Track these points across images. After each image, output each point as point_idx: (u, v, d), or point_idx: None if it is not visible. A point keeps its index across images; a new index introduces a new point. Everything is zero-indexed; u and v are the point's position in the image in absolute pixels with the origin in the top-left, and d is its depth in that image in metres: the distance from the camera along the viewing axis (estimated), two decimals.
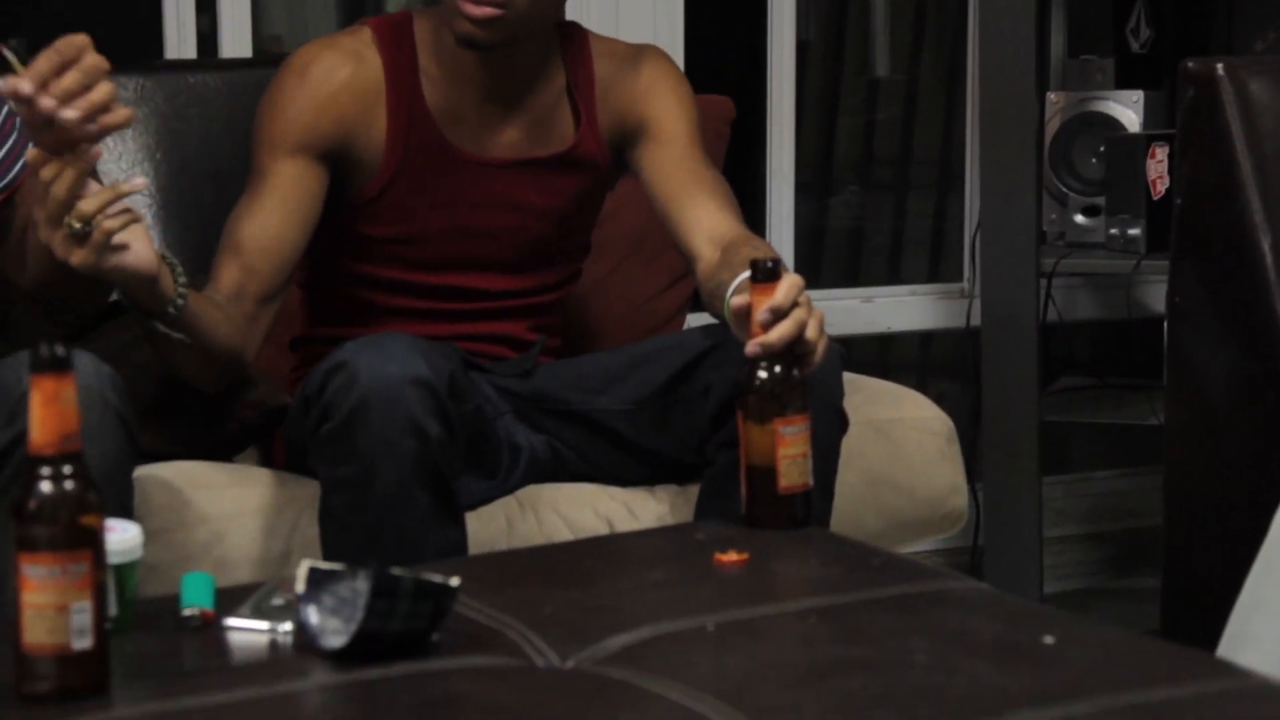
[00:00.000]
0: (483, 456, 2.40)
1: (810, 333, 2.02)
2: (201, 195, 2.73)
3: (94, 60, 1.91)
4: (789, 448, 2.01)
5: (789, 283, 2.01)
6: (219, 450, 2.46)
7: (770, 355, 2.00)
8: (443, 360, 2.16)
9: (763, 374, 2.01)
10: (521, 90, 2.44)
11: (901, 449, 2.63)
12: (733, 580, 1.84)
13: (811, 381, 2.22)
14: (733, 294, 2.11)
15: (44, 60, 1.90)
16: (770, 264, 2.02)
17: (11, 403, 1.93)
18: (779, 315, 2.00)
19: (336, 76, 2.37)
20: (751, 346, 2.01)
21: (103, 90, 1.91)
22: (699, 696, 1.50)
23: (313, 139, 2.34)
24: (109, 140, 2.70)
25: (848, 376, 2.35)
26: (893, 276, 4.05)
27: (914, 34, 4.05)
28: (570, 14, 2.53)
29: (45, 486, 1.47)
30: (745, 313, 2.04)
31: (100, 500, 1.50)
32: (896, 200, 4.10)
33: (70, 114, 1.88)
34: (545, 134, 2.47)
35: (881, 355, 3.93)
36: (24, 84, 1.88)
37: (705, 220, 2.40)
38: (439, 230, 2.44)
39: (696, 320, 2.74)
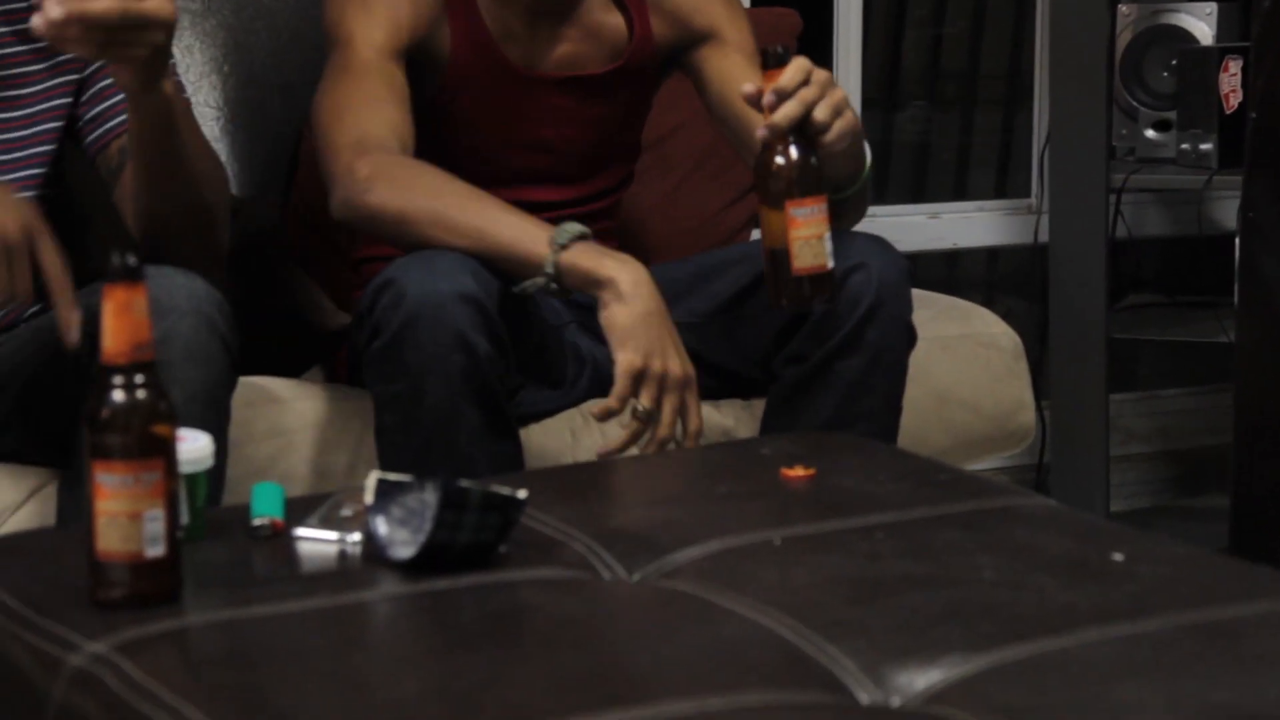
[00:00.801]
0: (547, 367, 2.40)
1: (820, 113, 2.06)
2: (269, 108, 2.73)
3: None
4: (801, 229, 2.05)
5: (796, 65, 2.06)
6: (285, 367, 2.48)
7: (780, 137, 2.05)
8: (493, 276, 2.15)
9: (777, 159, 2.05)
10: (569, 6, 2.43)
11: (969, 365, 2.62)
12: (798, 495, 1.83)
13: (880, 296, 2.22)
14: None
15: None
16: (780, 49, 2.05)
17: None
18: (784, 97, 2.03)
19: None
20: (760, 130, 2.06)
21: None
22: (765, 610, 1.50)
23: (399, 40, 2.31)
24: (176, 53, 2.72)
25: (915, 292, 2.34)
26: (959, 192, 4.02)
27: None
28: None
29: (118, 395, 1.48)
30: (756, 100, 2.08)
31: (172, 409, 1.51)
32: (964, 115, 4.06)
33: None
34: (597, 47, 2.46)
35: (948, 272, 3.91)
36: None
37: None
38: (496, 144, 2.43)
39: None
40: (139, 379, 1.49)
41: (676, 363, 2.13)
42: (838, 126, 2.07)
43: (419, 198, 2.17)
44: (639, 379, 2.12)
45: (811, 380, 2.29)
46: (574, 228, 2.15)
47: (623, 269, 2.13)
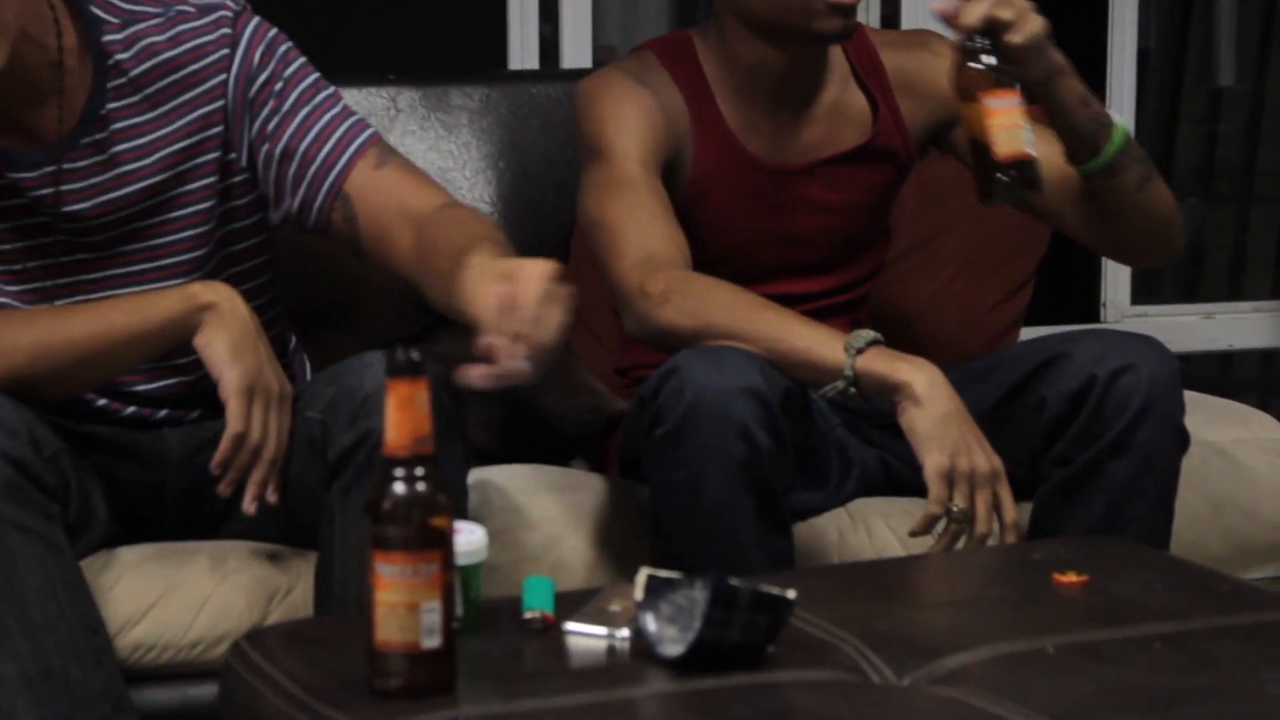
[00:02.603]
0: (814, 468, 2.40)
1: (1003, 12, 2.14)
2: (542, 203, 2.78)
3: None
4: (997, 118, 2.15)
5: None
6: (554, 455, 2.50)
7: (969, 34, 2.15)
8: (777, 374, 2.17)
9: (969, 61, 2.16)
10: (812, 90, 2.43)
11: (1246, 470, 2.55)
12: (1072, 602, 1.80)
13: (1150, 397, 2.19)
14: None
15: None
16: None
17: (355, 405, 1.98)
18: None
19: (653, 97, 2.38)
20: (953, 35, 2.18)
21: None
22: None
23: (656, 152, 2.35)
24: (453, 149, 2.79)
25: (1187, 395, 2.29)
26: (1234, 292, 3.94)
27: (1261, 40, 3.94)
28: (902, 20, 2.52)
29: (399, 488, 1.51)
30: (951, 17, 2.18)
31: (450, 502, 1.53)
32: (1239, 213, 3.99)
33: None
34: (840, 129, 2.46)
35: (1222, 373, 3.83)
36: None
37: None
38: (749, 242, 2.44)
39: (1031, 334, 2.70)
40: (419, 471, 1.52)
41: (983, 458, 2.13)
42: (1023, 26, 2.16)
43: (713, 312, 2.20)
44: (950, 480, 2.11)
45: (1080, 482, 2.26)
46: (867, 334, 2.16)
47: (917, 372, 2.14)
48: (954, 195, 2.84)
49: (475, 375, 1.77)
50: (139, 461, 2.17)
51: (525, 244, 2.75)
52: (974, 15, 2.15)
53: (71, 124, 2.07)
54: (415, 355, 1.52)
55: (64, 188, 2.07)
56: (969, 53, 2.16)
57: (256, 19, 2.13)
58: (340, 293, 2.58)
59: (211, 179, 2.12)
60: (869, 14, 3.68)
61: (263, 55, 2.11)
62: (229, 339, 2.00)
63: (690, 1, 3.85)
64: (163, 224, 2.11)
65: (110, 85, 2.07)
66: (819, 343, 2.17)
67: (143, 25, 2.09)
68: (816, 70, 2.42)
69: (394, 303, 2.56)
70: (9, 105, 2.04)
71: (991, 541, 2.13)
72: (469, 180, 2.77)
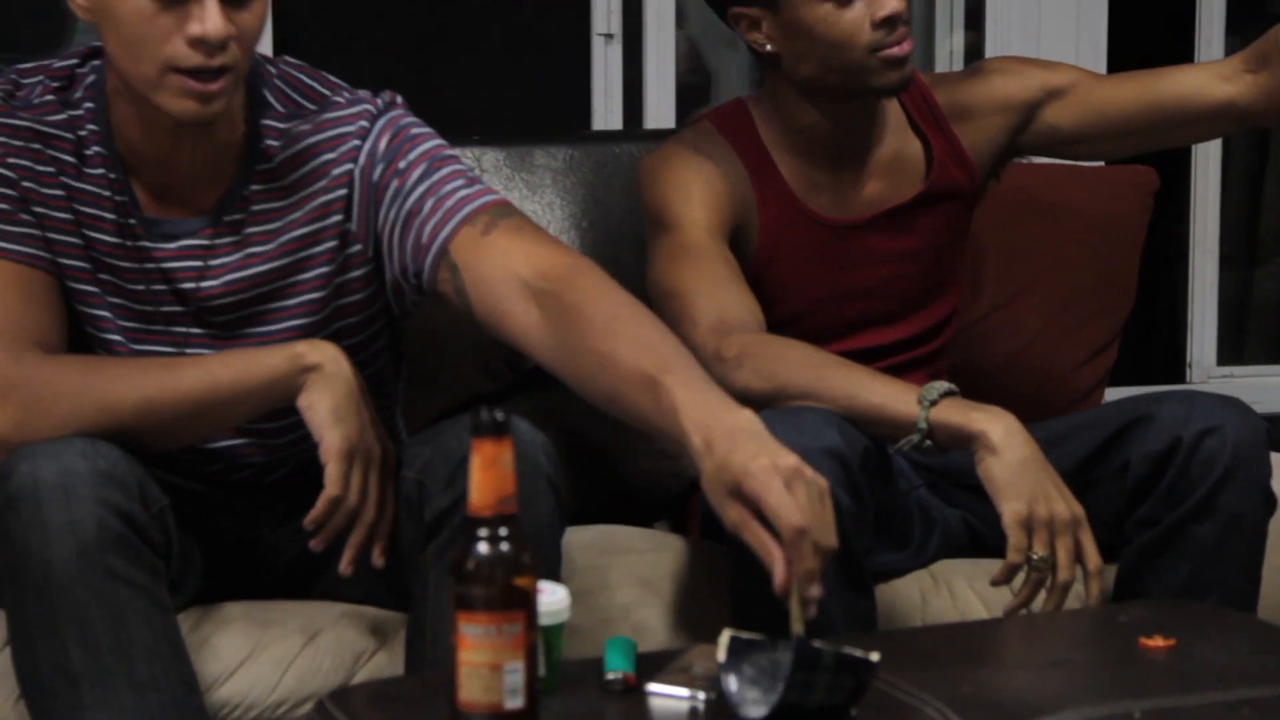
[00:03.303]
0: (896, 529, 2.39)
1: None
2: (624, 262, 2.78)
3: None
4: None
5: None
6: (636, 517, 2.51)
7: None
8: (857, 434, 2.17)
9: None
10: (869, 144, 2.45)
11: None
12: (1158, 666, 1.79)
13: (1236, 459, 2.18)
14: None
15: None
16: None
17: (451, 466, 1.98)
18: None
19: (715, 167, 2.40)
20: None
21: None
22: None
23: (722, 220, 2.38)
24: (537, 209, 2.80)
25: (1275, 457, 2.27)
26: None
27: None
28: None
29: (483, 548, 1.52)
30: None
31: (534, 562, 1.54)
32: None
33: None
34: (901, 178, 2.47)
35: None
36: None
37: (1192, 70, 2.46)
38: (820, 299, 2.45)
39: (1116, 394, 2.69)
40: (503, 531, 1.53)
41: (1062, 504, 2.12)
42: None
43: (787, 372, 2.20)
44: (1029, 527, 2.10)
45: (1165, 545, 2.24)
46: (941, 385, 2.16)
47: (992, 420, 2.13)
48: (1038, 253, 2.84)
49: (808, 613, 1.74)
50: (233, 516, 2.19)
51: None
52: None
53: (215, 202, 2.09)
54: (500, 415, 1.53)
55: (200, 263, 2.10)
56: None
57: (397, 112, 2.13)
58: (425, 349, 2.59)
59: (327, 267, 2.12)
60: (953, 58, 3.69)
61: (390, 140, 2.10)
62: (332, 401, 2.00)
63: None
64: (278, 310, 2.13)
65: (257, 168, 2.10)
66: (893, 396, 2.17)
67: (299, 117, 2.11)
68: (872, 125, 2.44)
69: (479, 359, 2.58)
70: (183, 180, 2.08)
71: (1075, 589, 2.12)
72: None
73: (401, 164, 2.09)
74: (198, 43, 1.94)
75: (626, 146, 2.87)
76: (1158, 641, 1.83)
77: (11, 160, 2.06)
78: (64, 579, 1.89)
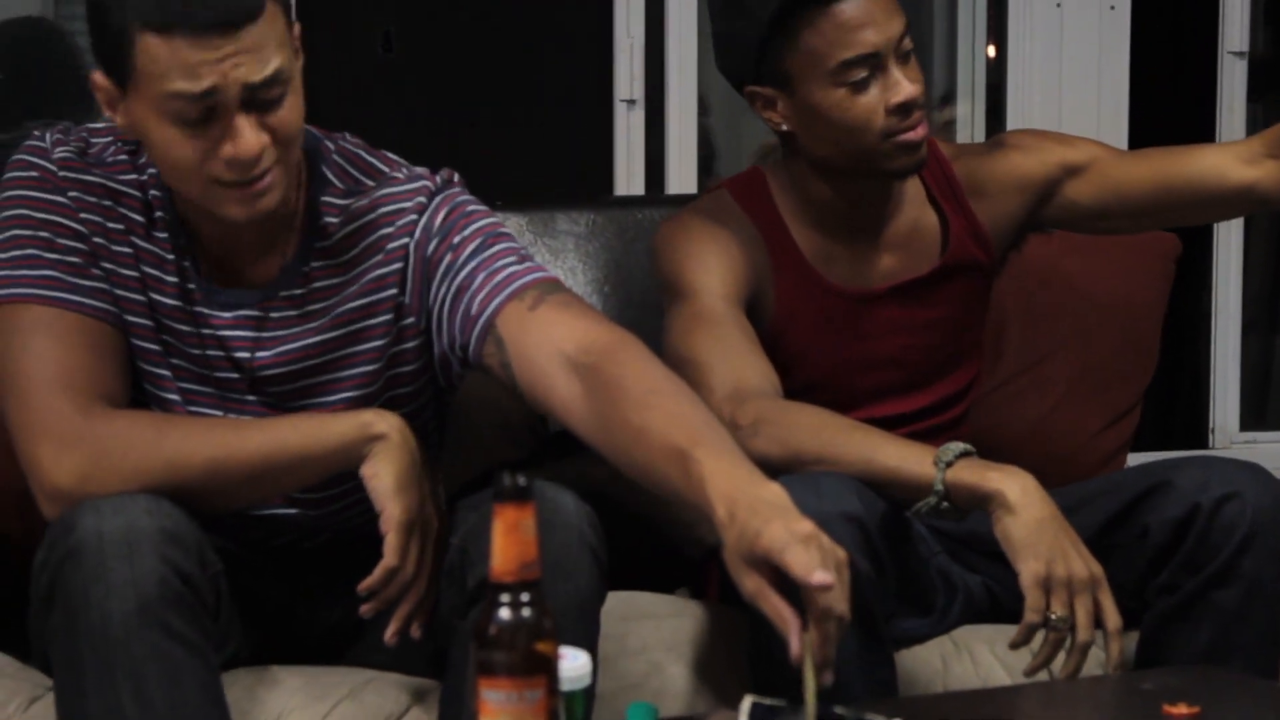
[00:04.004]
0: (917, 594, 2.39)
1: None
2: (648, 328, 2.78)
3: None
4: None
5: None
6: (656, 582, 2.50)
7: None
8: (875, 499, 2.16)
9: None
10: (885, 218, 2.46)
11: None
12: None
13: (1255, 526, 2.19)
14: None
15: None
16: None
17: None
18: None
19: (731, 236, 2.40)
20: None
21: None
22: None
23: (738, 288, 2.38)
24: (559, 274, 2.81)
25: None
26: None
27: None
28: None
29: (504, 613, 1.52)
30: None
31: (555, 628, 1.54)
32: None
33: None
34: (917, 251, 2.48)
35: None
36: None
37: (1213, 151, 2.44)
38: (837, 368, 2.45)
39: (1138, 460, 2.69)
40: (525, 597, 1.53)
41: (1080, 564, 2.11)
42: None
43: (802, 438, 2.21)
44: (1047, 587, 2.09)
45: (1186, 611, 2.24)
46: (957, 446, 2.16)
47: (1009, 480, 2.13)
48: (1060, 319, 2.84)
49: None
50: (270, 582, 2.19)
51: None
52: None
53: (274, 275, 2.10)
54: (522, 480, 1.53)
55: (254, 334, 2.10)
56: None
57: (454, 190, 2.14)
58: (452, 415, 2.60)
59: (382, 340, 2.12)
60: (974, 128, 3.70)
61: (446, 216, 2.11)
62: (396, 472, 2.00)
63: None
64: (333, 382, 2.13)
65: (316, 245, 2.11)
66: (909, 459, 2.17)
67: (358, 194, 2.12)
68: (888, 200, 2.45)
69: (506, 426, 2.58)
70: (243, 252, 2.09)
71: (1095, 650, 2.11)
72: None
73: (456, 239, 2.09)
74: (233, 162, 1.95)
75: (649, 212, 2.88)
76: (1182, 709, 1.82)
77: (84, 215, 2.07)
78: (123, 633, 1.89)
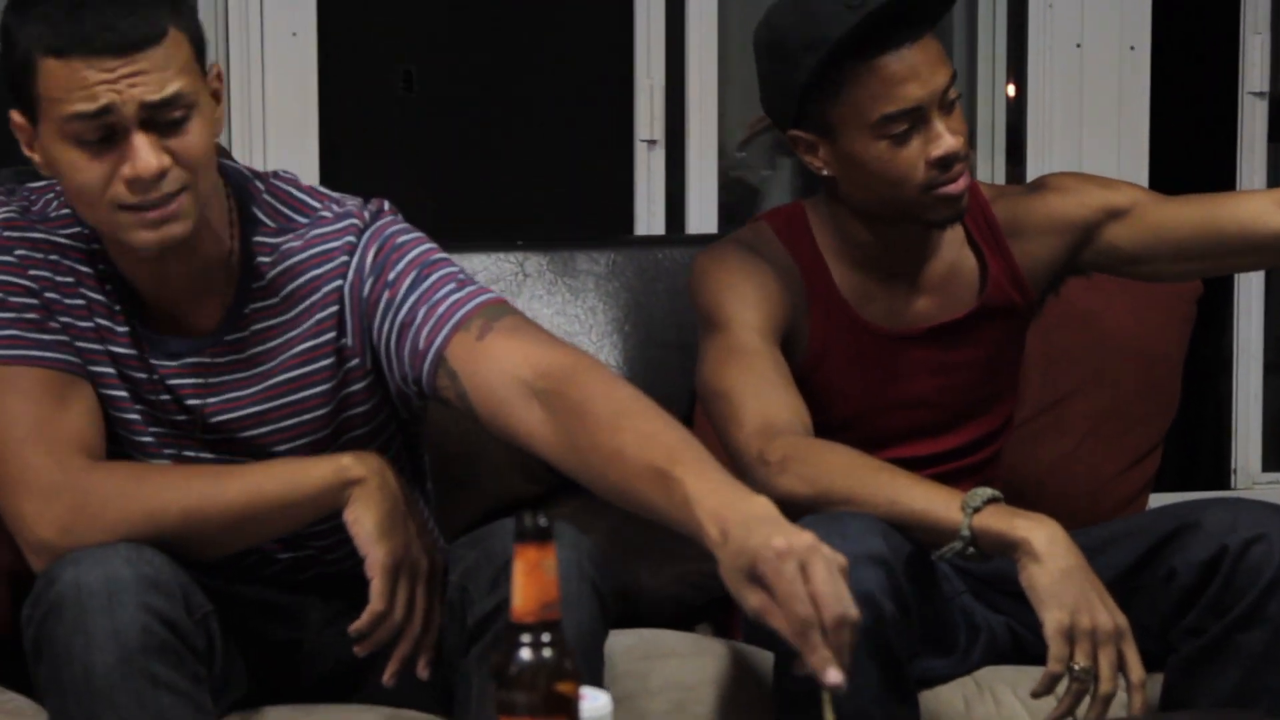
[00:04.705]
0: (940, 635, 2.38)
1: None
2: (667, 366, 2.79)
3: None
4: None
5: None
6: (678, 620, 2.50)
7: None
8: (901, 540, 2.16)
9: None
10: (924, 260, 2.45)
11: None
12: None
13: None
14: None
15: None
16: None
17: (495, 570, 1.98)
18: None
19: (770, 269, 2.40)
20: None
21: None
22: None
23: (774, 323, 2.38)
24: (579, 313, 2.82)
25: None
26: None
27: None
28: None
29: (525, 653, 1.51)
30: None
31: (576, 668, 1.53)
32: None
33: None
34: (955, 293, 2.47)
35: None
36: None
37: (1256, 198, 2.43)
38: (870, 407, 2.45)
39: (1160, 501, 2.68)
40: (545, 637, 1.52)
41: (1105, 615, 2.09)
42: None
43: (829, 477, 2.20)
44: (1071, 637, 2.08)
45: (1212, 654, 2.23)
46: (985, 491, 2.15)
47: (1036, 527, 2.12)
48: (1081, 359, 2.83)
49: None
50: (279, 620, 2.19)
51: None
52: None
53: (216, 321, 2.10)
54: (543, 521, 1.53)
55: (202, 381, 2.10)
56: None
57: (383, 221, 2.13)
58: (462, 452, 2.59)
59: (328, 384, 2.12)
60: (993, 168, 3.70)
61: (377, 253, 2.10)
62: (377, 516, 2.00)
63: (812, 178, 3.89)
64: (285, 430, 2.12)
65: (253, 285, 2.10)
66: (936, 502, 2.16)
67: (290, 231, 2.12)
68: (926, 244, 2.45)
69: (519, 462, 2.58)
70: (178, 298, 2.09)
71: (1118, 703, 2.09)
72: (595, 344, 2.79)
73: (391, 275, 2.08)
74: (134, 183, 1.95)
75: (669, 251, 2.88)
76: None
77: (33, 271, 2.07)
78: (106, 685, 1.89)
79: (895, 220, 2.38)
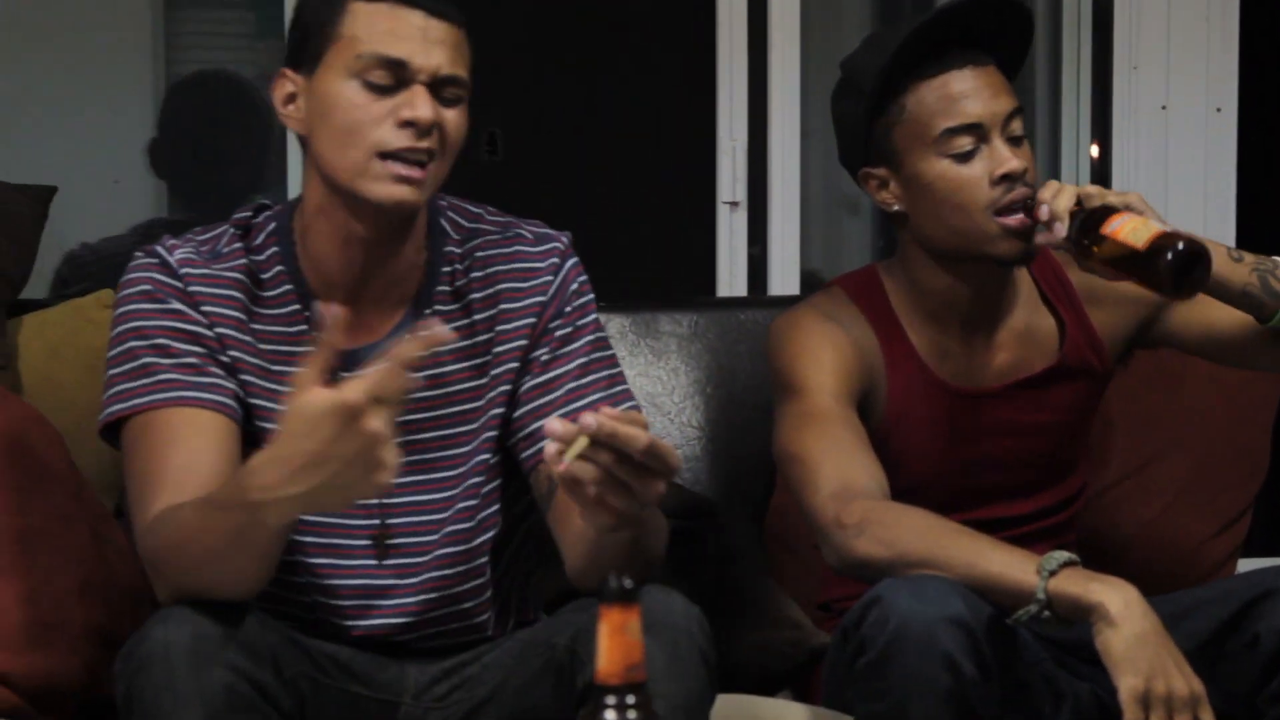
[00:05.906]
0: (1023, 700, 2.36)
1: (1050, 196, 2.27)
2: (750, 429, 2.79)
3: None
4: (1123, 231, 2.21)
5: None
6: (759, 687, 2.49)
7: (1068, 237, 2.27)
8: (981, 603, 2.15)
9: (1083, 253, 2.25)
10: (1000, 315, 2.45)
11: None
12: None
13: None
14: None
15: None
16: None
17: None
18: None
19: (845, 333, 2.41)
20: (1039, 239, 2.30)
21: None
22: None
23: (850, 386, 2.38)
24: (662, 375, 2.82)
25: None
26: None
27: None
28: None
29: (610, 715, 1.51)
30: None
31: None
32: None
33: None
34: (1030, 351, 2.46)
35: None
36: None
37: None
38: (947, 468, 2.44)
39: (1249, 566, 2.65)
40: (630, 699, 1.52)
41: (1181, 681, 2.08)
42: (1059, 198, 2.28)
43: (907, 540, 2.20)
44: (1146, 703, 2.06)
45: None
46: (1061, 555, 2.14)
47: (1112, 592, 2.10)
48: (1168, 422, 2.81)
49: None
50: (375, 685, 2.19)
51: (733, 470, 2.77)
52: (1061, 204, 2.24)
53: (393, 327, 2.15)
54: (628, 583, 1.53)
55: None
56: (1080, 246, 2.24)
57: (577, 258, 2.24)
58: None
59: (508, 386, 2.18)
60: None
61: (572, 293, 2.20)
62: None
63: (890, 227, 3.89)
64: (434, 419, 2.17)
65: (436, 290, 2.17)
66: (1012, 566, 2.15)
67: (479, 240, 2.21)
68: (1002, 295, 2.44)
69: None
70: (371, 300, 2.15)
71: None
72: (677, 405, 2.79)
73: (567, 329, 2.18)
74: (407, 124, 2.04)
75: (751, 313, 2.89)
76: None
77: (205, 308, 2.12)
78: None
79: (965, 258, 2.38)
